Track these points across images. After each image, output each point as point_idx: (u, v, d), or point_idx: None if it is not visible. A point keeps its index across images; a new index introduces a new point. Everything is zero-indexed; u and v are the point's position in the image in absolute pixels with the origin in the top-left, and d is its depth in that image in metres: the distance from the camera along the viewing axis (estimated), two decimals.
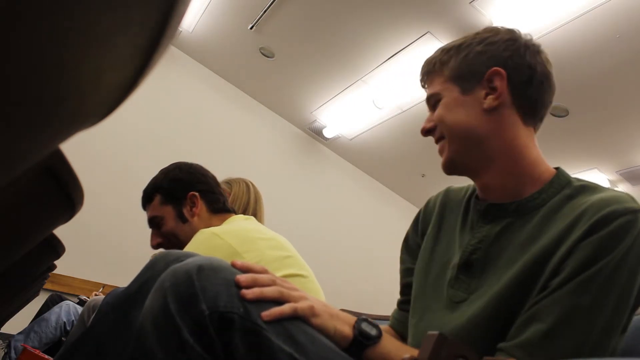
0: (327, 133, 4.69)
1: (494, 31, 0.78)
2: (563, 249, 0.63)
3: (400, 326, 0.88)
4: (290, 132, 4.86)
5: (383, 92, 3.89)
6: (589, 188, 0.70)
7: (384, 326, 0.96)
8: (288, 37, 3.67)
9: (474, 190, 0.84)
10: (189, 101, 4.30)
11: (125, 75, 0.20)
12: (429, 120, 0.81)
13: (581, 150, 3.82)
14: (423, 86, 0.85)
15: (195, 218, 1.31)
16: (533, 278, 0.65)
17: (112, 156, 3.76)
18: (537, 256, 0.66)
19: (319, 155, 4.98)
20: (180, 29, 3.80)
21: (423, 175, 4.97)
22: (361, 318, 0.67)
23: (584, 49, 2.96)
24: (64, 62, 0.16)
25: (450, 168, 0.80)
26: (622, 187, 4.18)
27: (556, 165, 0.79)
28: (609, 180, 4.09)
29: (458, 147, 0.77)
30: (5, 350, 2.17)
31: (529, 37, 0.78)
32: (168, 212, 1.32)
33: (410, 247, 0.92)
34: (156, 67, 0.22)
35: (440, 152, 0.80)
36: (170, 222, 1.31)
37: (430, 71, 0.82)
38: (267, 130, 4.71)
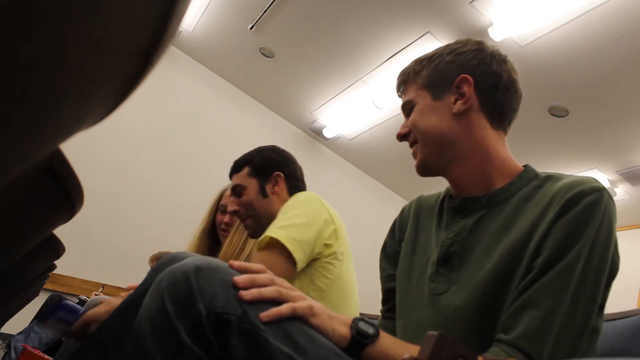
0: (327, 133, 4.69)
1: (463, 42, 0.86)
2: (539, 232, 0.68)
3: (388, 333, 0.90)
4: (290, 132, 4.86)
5: (383, 92, 3.89)
6: (555, 177, 0.76)
7: None
8: (288, 37, 3.67)
9: (446, 194, 0.90)
10: (189, 101, 4.30)
11: (125, 75, 0.20)
12: (403, 126, 0.88)
13: (581, 150, 3.82)
14: (399, 95, 0.93)
15: (275, 196, 1.40)
16: (512, 263, 0.69)
17: (112, 156, 3.76)
18: (515, 242, 0.70)
19: (319, 155, 4.99)
20: (180, 29, 3.80)
21: None
22: (358, 318, 0.67)
23: (584, 49, 2.96)
24: (64, 62, 0.16)
25: (424, 169, 0.85)
26: (622, 187, 4.18)
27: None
28: (609, 180, 4.09)
29: (430, 149, 0.83)
30: (5, 350, 2.17)
31: (495, 48, 0.85)
32: (252, 184, 1.41)
33: (389, 255, 0.97)
34: (156, 67, 0.22)
35: (414, 155, 0.86)
36: (252, 194, 1.40)
37: (405, 80, 0.90)
38: (267, 130, 4.71)
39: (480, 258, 0.74)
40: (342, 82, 3.97)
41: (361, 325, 0.65)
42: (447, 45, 0.87)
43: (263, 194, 1.40)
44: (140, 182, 3.87)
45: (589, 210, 0.66)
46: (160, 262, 0.86)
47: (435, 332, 0.47)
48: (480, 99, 0.81)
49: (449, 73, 0.83)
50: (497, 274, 0.70)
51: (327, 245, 1.23)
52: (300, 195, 1.33)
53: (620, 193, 4.22)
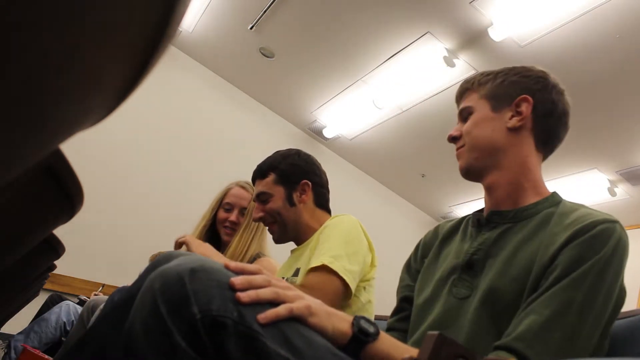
0: (327, 133, 4.69)
1: (529, 68, 0.93)
2: (549, 252, 0.72)
3: None
4: (290, 132, 4.86)
5: (383, 92, 3.89)
6: (576, 206, 0.81)
7: None
8: (288, 37, 3.67)
9: (467, 215, 0.96)
10: (188, 101, 4.30)
11: (125, 75, 0.20)
12: (457, 129, 0.94)
13: (581, 150, 3.82)
14: (457, 101, 0.98)
15: (302, 205, 1.38)
16: (523, 278, 0.73)
17: (112, 156, 3.76)
18: (527, 258, 0.75)
19: (319, 155, 4.95)
20: (180, 29, 3.80)
21: (423, 175, 4.97)
22: (359, 316, 0.67)
23: (584, 49, 2.96)
24: (64, 62, 0.16)
25: (467, 172, 0.92)
26: (622, 187, 4.18)
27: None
28: (609, 180, 4.09)
29: (476, 155, 0.90)
30: (5, 350, 2.17)
31: (557, 80, 0.92)
32: (279, 192, 1.37)
33: (411, 270, 1.01)
34: (156, 67, 0.22)
35: (458, 157, 0.93)
36: (279, 202, 1.37)
37: (468, 88, 0.96)
38: (267, 130, 4.71)
39: (500, 266, 0.78)
40: (342, 82, 3.97)
41: (362, 323, 0.65)
42: (514, 67, 0.93)
43: (290, 202, 1.37)
44: (140, 182, 3.87)
45: (601, 235, 0.70)
46: (156, 260, 0.85)
47: (435, 332, 0.47)
48: (534, 121, 0.87)
49: (512, 90, 0.89)
50: (512, 283, 0.74)
51: (366, 272, 1.24)
52: (344, 220, 1.30)
53: (620, 193, 4.21)
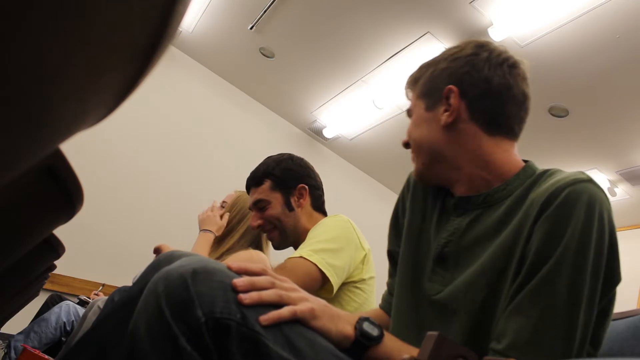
0: (327, 133, 4.69)
1: (461, 46, 0.82)
2: (523, 235, 0.65)
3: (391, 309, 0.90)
4: (290, 132, 4.86)
5: (383, 92, 3.89)
6: (549, 173, 0.72)
7: (375, 309, 0.98)
8: (288, 37, 3.67)
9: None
10: (188, 101, 4.30)
11: (125, 75, 0.20)
12: (406, 134, 0.87)
13: (581, 150, 3.82)
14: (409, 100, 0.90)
15: (300, 209, 1.38)
16: (501, 266, 0.67)
17: (112, 156, 3.76)
18: (503, 245, 0.68)
19: (319, 156, 4.98)
20: (180, 29, 3.80)
21: None
22: (363, 317, 0.66)
23: (584, 49, 2.96)
24: (64, 62, 0.16)
25: (421, 179, 0.86)
26: (622, 187, 4.18)
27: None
28: (609, 180, 4.09)
29: (424, 159, 0.83)
30: (5, 351, 2.17)
31: (495, 52, 0.79)
32: (276, 198, 1.37)
33: (398, 226, 0.94)
34: (156, 67, 0.22)
35: (413, 162, 0.86)
36: (277, 208, 1.37)
37: (408, 87, 0.88)
38: (267, 130, 4.71)
39: (473, 259, 0.72)
40: (342, 82, 3.97)
41: (365, 326, 0.64)
42: (448, 49, 0.84)
43: (289, 207, 1.37)
44: (140, 182, 3.87)
45: (568, 204, 0.61)
46: (157, 261, 0.85)
47: (435, 333, 0.47)
48: (469, 108, 0.77)
49: (440, 82, 0.80)
50: (485, 276, 0.68)
51: (356, 272, 1.24)
52: (332, 219, 1.31)
53: (620, 193, 4.21)
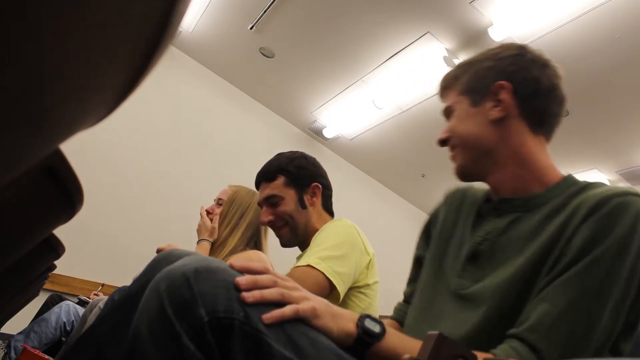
0: (327, 133, 4.69)
1: (504, 47, 0.85)
2: (566, 235, 0.66)
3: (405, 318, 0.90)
4: (290, 132, 4.86)
5: (383, 92, 3.89)
6: (593, 185, 0.74)
7: (387, 320, 0.98)
8: (288, 37, 3.67)
9: (477, 191, 0.90)
10: (188, 101, 4.30)
11: (125, 75, 0.20)
12: (444, 131, 0.88)
13: (581, 150, 3.82)
14: (442, 101, 0.91)
15: (311, 208, 1.37)
16: (538, 266, 0.68)
17: (112, 156, 3.77)
18: (541, 247, 0.69)
19: (319, 156, 4.94)
20: (180, 29, 3.80)
21: (423, 176, 4.97)
22: (364, 315, 0.66)
23: (584, 49, 2.96)
24: (64, 62, 0.16)
25: (462, 175, 0.86)
26: None
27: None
28: (609, 180, 4.09)
29: (468, 155, 0.83)
30: (5, 351, 2.17)
31: (537, 52, 0.83)
32: (290, 194, 1.36)
33: (430, 236, 0.95)
34: (156, 67, 0.22)
35: (453, 159, 0.86)
36: (290, 205, 1.35)
37: (446, 86, 0.90)
38: (267, 130, 4.71)
39: (508, 260, 0.73)
40: (342, 82, 3.97)
41: (367, 323, 0.64)
42: (489, 50, 0.86)
43: (302, 205, 1.36)
44: (140, 182, 3.87)
45: (614, 212, 0.63)
46: (156, 259, 0.85)
47: (435, 332, 0.47)
48: (519, 106, 0.80)
49: (487, 79, 0.82)
50: (521, 276, 0.69)
51: (361, 277, 1.23)
52: (336, 224, 1.30)
53: None
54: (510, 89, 0.80)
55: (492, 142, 0.80)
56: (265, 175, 1.39)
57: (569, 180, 0.78)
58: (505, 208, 0.79)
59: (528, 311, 0.65)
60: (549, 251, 0.68)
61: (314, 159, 1.46)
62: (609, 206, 0.64)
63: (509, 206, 0.79)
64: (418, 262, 0.96)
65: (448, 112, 0.88)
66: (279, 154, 1.43)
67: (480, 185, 0.92)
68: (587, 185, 0.74)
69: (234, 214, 1.67)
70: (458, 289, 0.77)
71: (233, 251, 1.60)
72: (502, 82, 0.80)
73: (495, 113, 0.80)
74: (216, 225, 1.62)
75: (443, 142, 0.88)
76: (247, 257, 1.54)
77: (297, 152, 1.45)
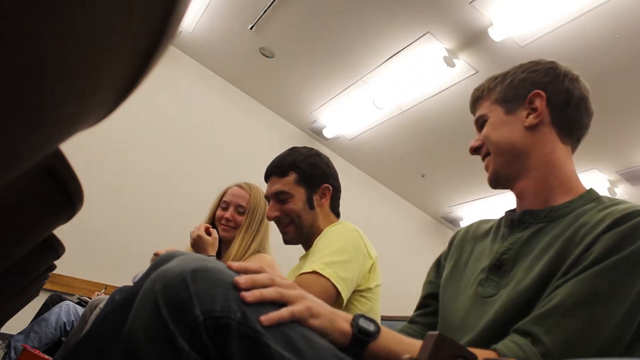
0: (327, 133, 4.69)
1: (536, 62, 0.90)
2: (586, 241, 0.69)
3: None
4: (290, 132, 4.86)
5: (383, 92, 3.89)
6: (616, 201, 0.77)
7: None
8: (288, 37, 3.67)
9: (502, 216, 0.93)
10: (188, 101, 4.30)
11: (125, 75, 0.20)
12: (476, 139, 0.92)
13: (581, 150, 3.80)
14: (472, 112, 0.96)
15: (319, 209, 1.35)
16: (556, 267, 0.70)
17: (112, 156, 3.77)
18: (561, 249, 0.72)
19: None
20: (180, 29, 3.80)
21: (423, 176, 4.97)
22: (358, 314, 0.66)
23: (583, 49, 2.96)
24: (64, 62, 0.16)
25: (495, 181, 0.89)
26: (622, 187, 4.18)
27: None
28: (609, 180, 4.09)
29: (501, 160, 0.87)
30: (5, 351, 2.17)
31: (568, 68, 0.89)
32: (300, 193, 1.33)
33: (440, 267, 1.00)
34: (156, 67, 0.22)
35: (487, 167, 0.90)
36: (299, 203, 1.32)
37: (479, 96, 0.94)
38: (267, 130, 4.71)
39: (529, 267, 0.76)
40: (342, 82, 3.97)
41: (362, 322, 0.65)
42: (521, 65, 0.91)
43: (310, 205, 1.33)
44: (140, 181, 3.87)
45: (638, 227, 0.66)
46: (159, 260, 0.85)
47: (435, 332, 0.47)
48: (552, 114, 0.85)
49: (522, 89, 0.87)
50: (538, 281, 0.71)
51: (364, 280, 1.22)
52: (341, 227, 1.28)
53: (620, 193, 4.22)
54: (545, 98, 0.85)
55: (525, 148, 0.85)
56: (277, 169, 1.35)
57: (592, 193, 0.82)
58: (529, 220, 0.83)
59: (538, 307, 0.67)
60: (568, 251, 0.70)
61: (328, 159, 1.43)
62: (631, 222, 0.67)
63: (534, 217, 0.82)
64: (429, 288, 0.99)
65: (480, 122, 0.92)
66: (293, 148, 1.39)
67: (480, 223, 0.98)
68: (611, 200, 0.78)
69: (256, 220, 1.67)
70: (483, 295, 0.80)
71: (252, 254, 1.61)
72: (538, 90, 0.85)
73: (530, 120, 0.85)
74: (216, 236, 1.59)
75: (475, 150, 0.92)
76: (259, 260, 1.55)
77: (312, 149, 1.41)
